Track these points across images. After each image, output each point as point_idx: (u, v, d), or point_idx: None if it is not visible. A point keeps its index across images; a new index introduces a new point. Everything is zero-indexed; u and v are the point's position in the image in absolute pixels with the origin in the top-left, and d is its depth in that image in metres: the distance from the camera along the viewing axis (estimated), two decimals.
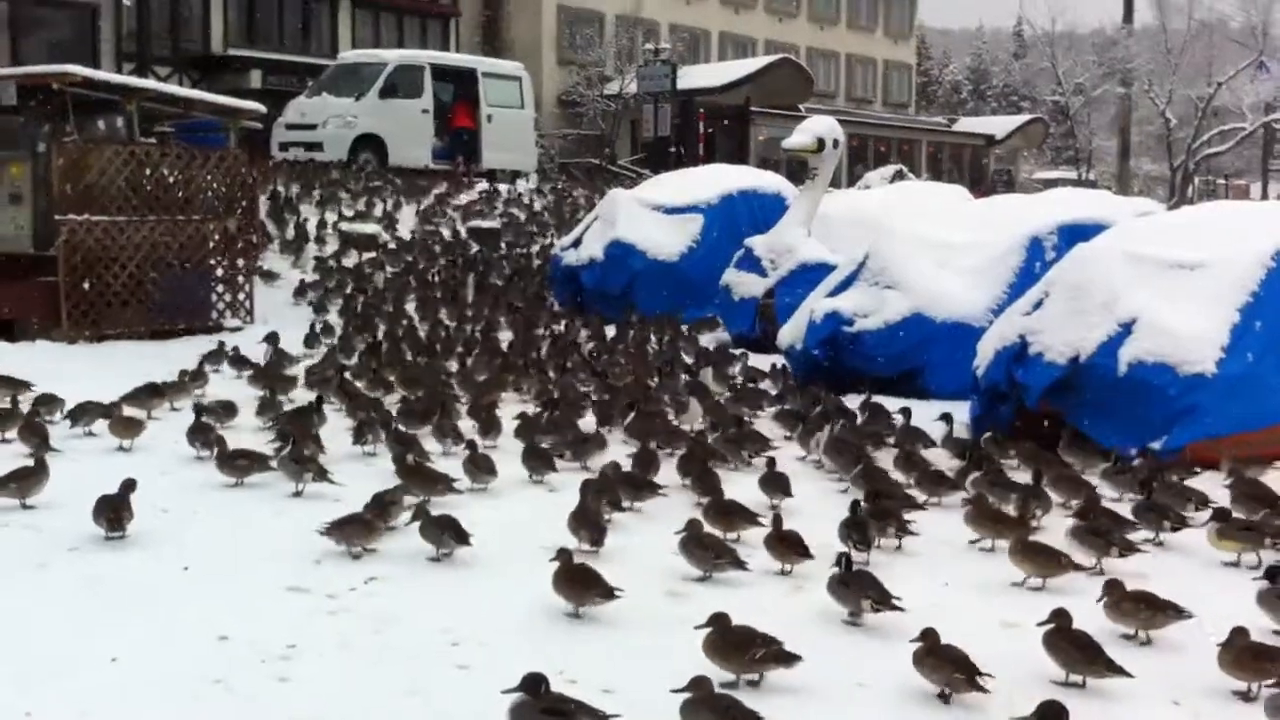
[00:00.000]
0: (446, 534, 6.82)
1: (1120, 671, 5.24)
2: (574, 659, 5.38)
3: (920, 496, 8.20)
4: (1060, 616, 5.44)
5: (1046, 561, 6.58)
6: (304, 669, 5.30)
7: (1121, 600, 5.87)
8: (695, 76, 42.24)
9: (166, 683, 5.11)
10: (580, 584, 6.02)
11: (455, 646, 5.56)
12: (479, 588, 6.39)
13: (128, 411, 9.72)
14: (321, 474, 8.21)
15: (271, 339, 13.16)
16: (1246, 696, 5.24)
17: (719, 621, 5.29)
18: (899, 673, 5.37)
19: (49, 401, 9.99)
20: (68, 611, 5.91)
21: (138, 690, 5.05)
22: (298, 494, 8.15)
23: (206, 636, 5.60)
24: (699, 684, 4.70)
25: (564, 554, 6.20)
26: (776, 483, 8.16)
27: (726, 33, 53.63)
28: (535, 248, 22.47)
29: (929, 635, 5.26)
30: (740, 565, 6.58)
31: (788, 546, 6.76)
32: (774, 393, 11.93)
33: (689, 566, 6.61)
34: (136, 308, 14.69)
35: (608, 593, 5.98)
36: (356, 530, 6.81)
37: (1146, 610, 5.84)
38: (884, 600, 5.95)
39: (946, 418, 9.90)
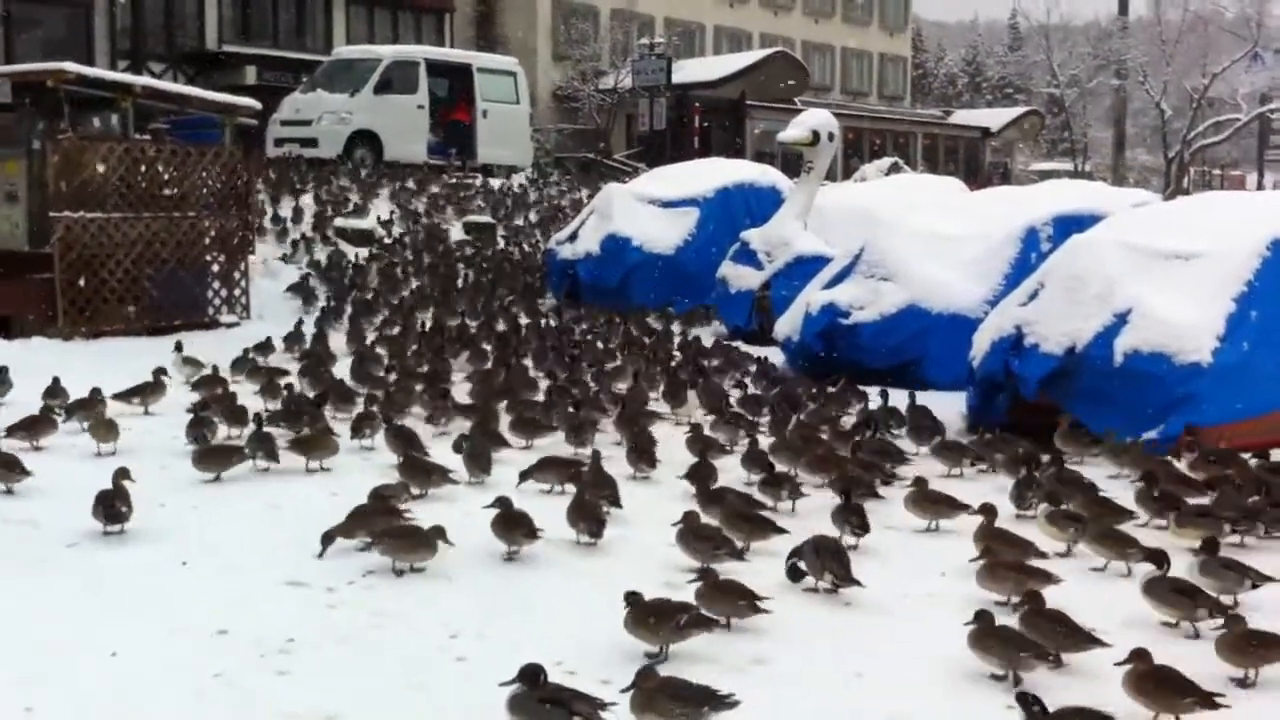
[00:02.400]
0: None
1: (1099, 643, 5.35)
2: (572, 651, 5.39)
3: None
4: (1034, 598, 5.55)
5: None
6: (303, 663, 5.31)
7: (996, 568, 6.12)
8: (690, 70, 42.20)
9: (166, 677, 5.12)
10: (510, 526, 6.69)
11: (454, 639, 5.57)
12: (477, 581, 6.39)
13: (109, 413, 9.68)
14: (271, 455, 8.53)
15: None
16: (1244, 683, 5.26)
17: (638, 599, 5.44)
18: (899, 662, 5.40)
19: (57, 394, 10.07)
20: (67, 607, 5.91)
21: (138, 685, 5.05)
22: (265, 470, 8.44)
23: (206, 631, 5.61)
24: (646, 675, 4.72)
25: (502, 501, 6.90)
26: (758, 460, 8.46)
27: (721, 26, 53.62)
28: (530, 242, 22.47)
29: (709, 575, 5.81)
30: (738, 556, 6.60)
31: (753, 525, 6.95)
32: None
33: (687, 558, 6.62)
34: (133, 304, 14.68)
35: (532, 533, 6.68)
36: (404, 545, 6.50)
37: (1019, 576, 6.05)
38: (845, 577, 6.16)
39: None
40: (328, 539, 6.67)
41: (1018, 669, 5.22)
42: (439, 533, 6.46)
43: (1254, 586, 6.19)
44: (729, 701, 4.68)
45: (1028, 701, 4.50)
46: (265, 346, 12.79)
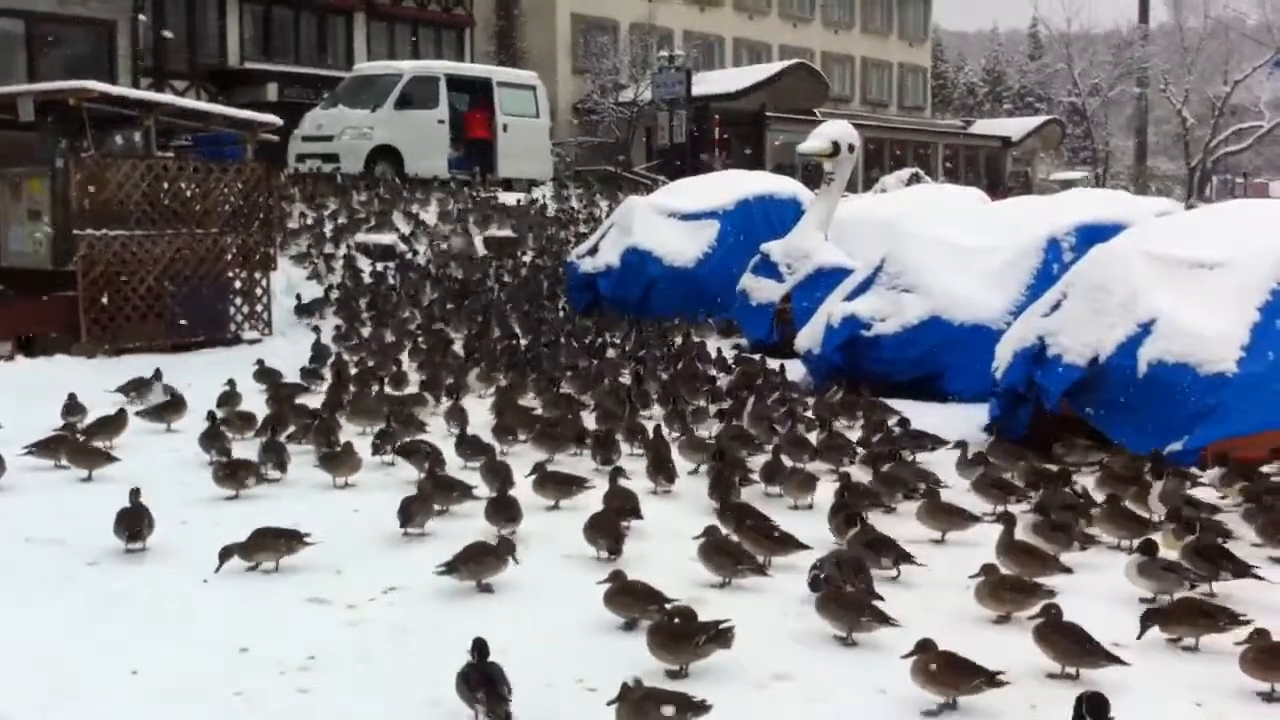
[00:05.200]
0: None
1: (1117, 660, 5.31)
2: (592, 667, 5.37)
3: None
4: (1050, 610, 5.53)
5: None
6: (324, 680, 5.31)
7: (994, 586, 6.13)
8: (710, 83, 42.25)
9: (187, 695, 5.12)
10: (505, 510, 7.39)
11: None
12: (497, 597, 6.39)
13: (131, 431, 9.72)
14: (280, 464, 8.76)
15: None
16: (1269, 697, 5.21)
17: (669, 615, 5.51)
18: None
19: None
20: (89, 625, 5.93)
21: (158, 703, 5.06)
22: (277, 481, 8.59)
23: (227, 648, 5.61)
24: (630, 690, 4.76)
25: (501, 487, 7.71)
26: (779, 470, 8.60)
27: (741, 39, 53.64)
28: (551, 256, 22.48)
29: (617, 577, 5.95)
30: (760, 571, 6.58)
31: (767, 539, 6.94)
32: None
33: (708, 573, 6.60)
34: (155, 321, 14.74)
35: (514, 518, 7.40)
36: (485, 566, 6.52)
37: (1014, 593, 6.09)
38: (868, 592, 6.13)
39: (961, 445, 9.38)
40: (226, 555, 6.65)
41: (855, 630, 5.72)
42: (508, 548, 6.60)
43: (1191, 587, 6.32)
44: (704, 707, 4.74)
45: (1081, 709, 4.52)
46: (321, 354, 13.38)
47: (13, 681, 5.23)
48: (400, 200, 24.40)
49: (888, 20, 61.76)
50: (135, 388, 11.30)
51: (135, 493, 7.26)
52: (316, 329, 15.03)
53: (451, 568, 6.42)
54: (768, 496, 8.45)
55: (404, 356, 13.78)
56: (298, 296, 17.31)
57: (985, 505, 7.96)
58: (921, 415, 10.56)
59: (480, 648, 4.98)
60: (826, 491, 8.13)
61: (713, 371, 13.33)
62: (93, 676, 5.30)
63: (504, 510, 7.42)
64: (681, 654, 5.34)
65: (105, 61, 30.13)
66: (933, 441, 9.68)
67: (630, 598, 5.92)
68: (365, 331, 15.52)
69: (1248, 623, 5.67)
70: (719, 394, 11.73)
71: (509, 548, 6.58)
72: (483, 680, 4.88)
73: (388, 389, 11.65)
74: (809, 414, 10.84)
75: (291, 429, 9.86)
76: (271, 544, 6.79)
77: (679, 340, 15.39)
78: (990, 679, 5.05)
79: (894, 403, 11.28)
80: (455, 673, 4.94)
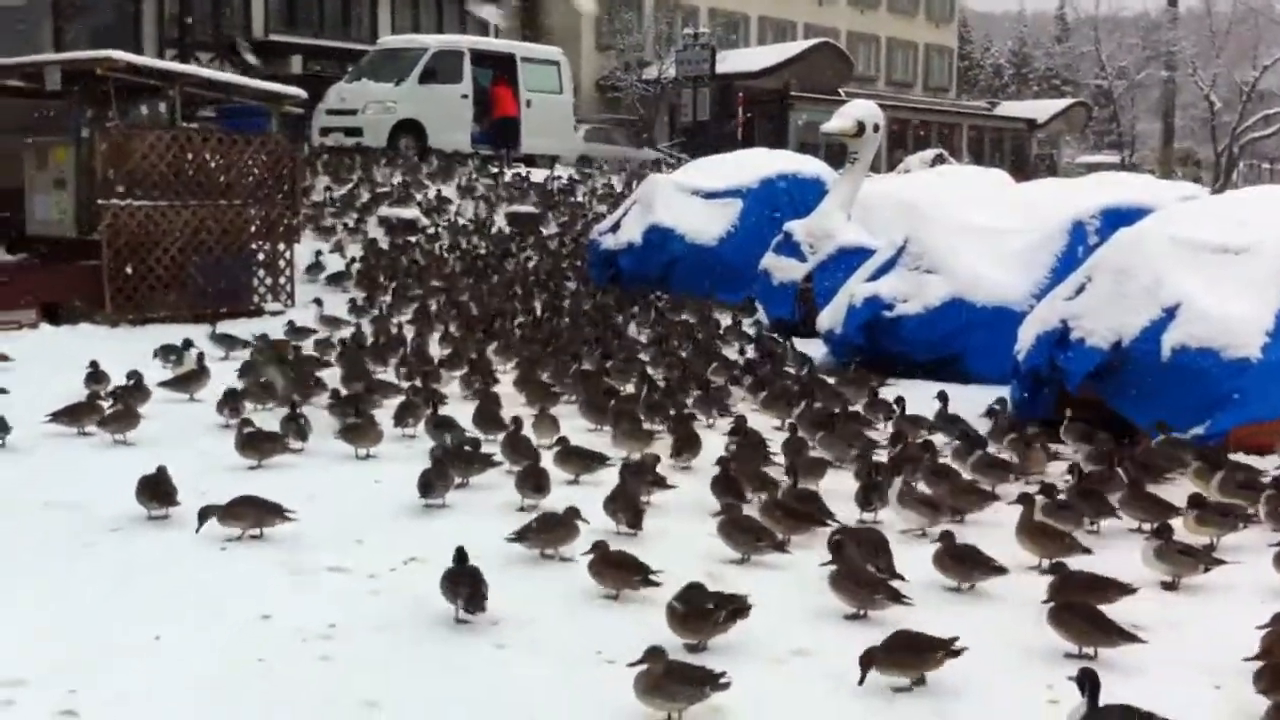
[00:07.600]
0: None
1: (1134, 639, 5.33)
2: (611, 639, 5.39)
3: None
4: (1063, 595, 5.55)
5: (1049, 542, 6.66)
6: (345, 648, 5.34)
7: (946, 554, 6.22)
8: (734, 61, 42.15)
9: (209, 661, 5.16)
10: (533, 479, 7.45)
11: (494, 625, 5.59)
12: (517, 569, 6.40)
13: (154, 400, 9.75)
14: (301, 434, 8.82)
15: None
16: None
17: (686, 593, 5.46)
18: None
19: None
20: (111, 591, 5.97)
21: (180, 668, 5.09)
22: (299, 451, 8.64)
23: (248, 616, 5.65)
24: (655, 656, 4.76)
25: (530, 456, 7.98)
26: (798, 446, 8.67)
27: (766, 17, 53.47)
28: (573, 232, 22.47)
29: (599, 547, 5.98)
30: (780, 548, 6.59)
31: (793, 518, 6.95)
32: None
33: (728, 549, 6.61)
34: (178, 291, 14.81)
35: (540, 488, 7.45)
36: (556, 535, 6.59)
37: (966, 567, 6.20)
38: (887, 571, 6.16)
39: (1000, 402, 10.04)
40: (205, 515, 6.71)
41: (868, 608, 5.76)
42: (575, 514, 6.64)
43: (1205, 570, 6.34)
44: (723, 682, 4.76)
45: (1084, 682, 4.54)
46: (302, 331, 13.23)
47: (36, 647, 5.27)
48: (424, 174, 24.41)
49: (914, 0, 61.42)
50: (167, 354, 11.35)
51: (162, 469, 7.29)
52: (319, 301, 14.96)
53: (521, 536, 6.52)
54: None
55: (424, 329, 13.80)
56: (314, 264, 17.40)
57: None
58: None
59: (461, 555, 5.69)
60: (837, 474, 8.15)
61: (733, 350, 13.34)
62: (116, 642, 5.34)
63: (531, 479, 7.46)
64: (701, 630, 5.35)
65: (131, 32, 30.22)
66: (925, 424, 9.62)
67: (612, 569, 5.96)
68: (386, 302, 15.56)
69: (1134, 591, 5.81)
70: (736, 371, 11.71)
71: (574, 513, 6.62)
72: (464, 579, 5.55)
73: (411, 359, 11.69)
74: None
75: (313, 400, 9.91)
76: (253, 515, 6.82)
77: (695, 319, 15.38)
78: (950, 650, 5.08)
79: (916, 384, 11.30)
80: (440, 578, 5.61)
